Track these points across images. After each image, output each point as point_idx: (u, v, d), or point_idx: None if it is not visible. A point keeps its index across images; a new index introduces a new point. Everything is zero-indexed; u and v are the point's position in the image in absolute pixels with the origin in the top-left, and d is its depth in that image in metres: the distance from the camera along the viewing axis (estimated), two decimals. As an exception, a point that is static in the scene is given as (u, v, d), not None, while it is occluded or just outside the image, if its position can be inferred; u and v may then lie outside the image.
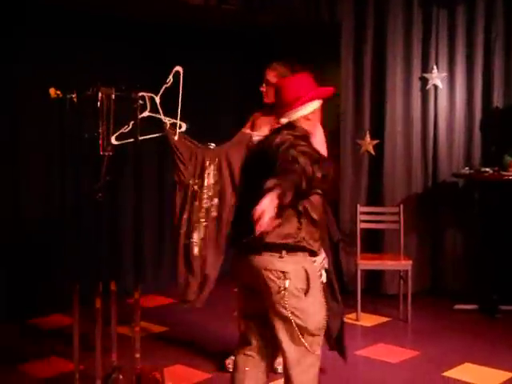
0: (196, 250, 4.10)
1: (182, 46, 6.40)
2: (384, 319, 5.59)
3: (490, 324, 5.50)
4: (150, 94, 3.86)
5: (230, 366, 4.44)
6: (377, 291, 6.29)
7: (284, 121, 3.13)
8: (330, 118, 7.40)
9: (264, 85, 4.28)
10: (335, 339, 4.15)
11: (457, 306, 5.85)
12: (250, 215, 2.75)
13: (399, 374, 4.49)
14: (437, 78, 6.24)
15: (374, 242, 6.26)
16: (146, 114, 3.87)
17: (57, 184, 5.52)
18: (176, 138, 4.07)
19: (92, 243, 4.25)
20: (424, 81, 6.29)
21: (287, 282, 2.90)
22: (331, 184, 4.09)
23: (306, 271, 2.94)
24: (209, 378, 4.37)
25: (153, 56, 6.23)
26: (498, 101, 6.17)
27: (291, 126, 3.11)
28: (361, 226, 5.78)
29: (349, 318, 5.59)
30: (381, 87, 6.29)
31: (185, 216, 4.15)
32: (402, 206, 5.78)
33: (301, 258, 2.96)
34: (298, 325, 2.93)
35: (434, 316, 5.68)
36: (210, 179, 4.13)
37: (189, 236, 4.15)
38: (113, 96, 3.78)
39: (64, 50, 5.65)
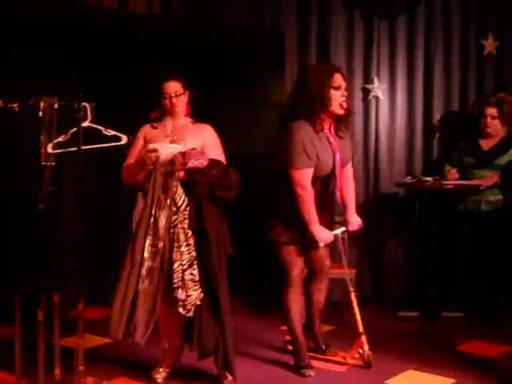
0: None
1: (127, 55, 6.36)
2: (328, 328, 5.62)
3: (432, 330, 5.59)
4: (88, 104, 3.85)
5: (158, 376, 4.43)
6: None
7: None
8: (274, 127, 7.46)
9: (173, 96, 4.34)
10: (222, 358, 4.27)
11: (400, 314, 5.93)
12: None
13: (344, 383, 4.53)
14: (378, 89, 6.34)
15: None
16: (86, 123, 3.84)
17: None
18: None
19: (34, 255, 4.19)
20: (365, 92, 6.37)
21: None
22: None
23: None
24: (154, 390, 4.34)
25: (99, 65, 6.18)
26: (438, 111, 6.30)
27: None
28: (305, 235, 5.81)
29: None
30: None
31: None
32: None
33: None
34: None
35: (378, 324, 5.74)
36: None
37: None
38: (55, 106, 3.75)
39: (6, 59, 5.57)
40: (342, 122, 4.59)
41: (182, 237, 4.12)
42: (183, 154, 4.13)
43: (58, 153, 3.86)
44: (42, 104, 3.71)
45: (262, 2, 6.17)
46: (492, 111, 5.79)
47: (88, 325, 4.64)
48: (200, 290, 4.14)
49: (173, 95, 4.34)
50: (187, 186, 4.16)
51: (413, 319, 5.82)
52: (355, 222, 4.81)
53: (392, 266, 6.42)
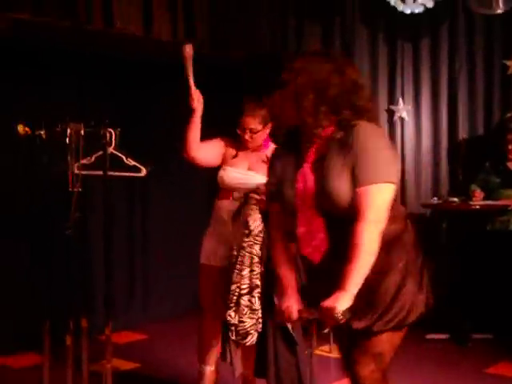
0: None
1: (153, 82, 6.41)
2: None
3: (461, 353, 5.52)
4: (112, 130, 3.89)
5: None
6: (349, 323, 6.29)
7: None
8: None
9: (248, 133, 4.18)
10: None
11: (428, 336, 5.87)
12: None
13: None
14: (403, 110, 6.34)
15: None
16: (110, 149, 3.89)
17: (26, 221, 5.48)
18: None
19: (62, 280, 4.22)
20: (390, 113, 6.38)
21: None
22: None
23: None
24: (181, 414, 4.34)
25: (124, 92, 6.24)
26: (463, 131, 6.28)
27: None
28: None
29: (321, 351, 5.57)
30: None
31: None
32: (371, 237, 5.80)
33: None
34: None
35: (406, 346, 5.64)
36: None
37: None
38: (82, 132, 3.79)
39: (34, 86, 5.64)
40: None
41: (246, 260, 4.01)
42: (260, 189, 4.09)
43: (85, 179, 3.89)
44: (68, 130, 3.75)
45: (286, 26, 6.21)
46: None
47: (116, 349, 4.66)
48: (257, 319, 4.00)
49: (248, 132, 4.18)
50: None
51: (441, 341, 5.76)
52: (325, 308, 2.52)
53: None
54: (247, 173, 4.19)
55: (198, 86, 4.03)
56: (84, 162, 3.91)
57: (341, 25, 6.37)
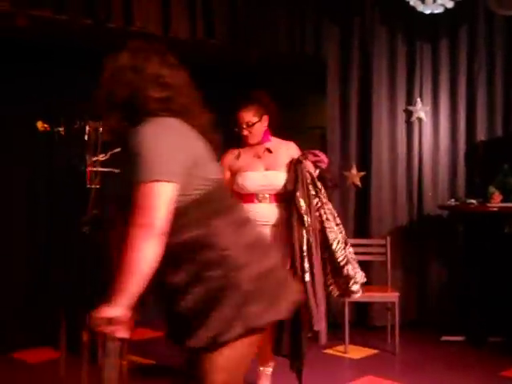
0: None
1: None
2: (372, 351, 5.58)
3: (477, 355, 5.50)
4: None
5: None
6: (364, 323, 6.29)
7: None
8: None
9: (245, 127, 4.22)
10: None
11: (444, 338, 5.85)
12: None
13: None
14: (421, 110, 6.32)
15: (361, 274, 6.25)
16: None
17: (44, 217, 5.51)
18: None
19: (79, 276, 4.25)
20: (408, 113, 6.36)
21: None
22: None
23: None
24: (196, 411, 4.33)
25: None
26: (481, 133, 6.25)
27: None
28: (348, 257, 5.78)
29: (337, 351, 5.58)
30: (366, 120, 6.35)
31: None
32: (388, 238, 5.80)
33: None
34: None
35: (422, 348, 5.68)
36: None
37: None
38: (100, 129, 3.82)
39: (53, 83, 5.68)
40: None
41: (330, 217, 4.17)
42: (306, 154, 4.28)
43: (103, 176, 3.92)
44: (87, 128, 3.78)
45: (304, 26, 6.20)
46: None
47: (132, 346, 4.68)
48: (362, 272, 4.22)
49: (245, 126, 4.23)
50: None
51: (457, 343, 5.74)
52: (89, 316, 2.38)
53: (436, 289, 6.35)
54: (266, 174, 4.20)
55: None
56: (98, 158, 3.93)
57: (360, 25, 6.35)
